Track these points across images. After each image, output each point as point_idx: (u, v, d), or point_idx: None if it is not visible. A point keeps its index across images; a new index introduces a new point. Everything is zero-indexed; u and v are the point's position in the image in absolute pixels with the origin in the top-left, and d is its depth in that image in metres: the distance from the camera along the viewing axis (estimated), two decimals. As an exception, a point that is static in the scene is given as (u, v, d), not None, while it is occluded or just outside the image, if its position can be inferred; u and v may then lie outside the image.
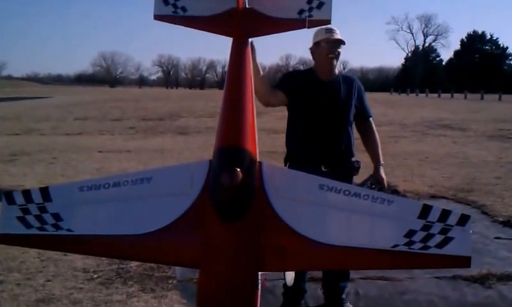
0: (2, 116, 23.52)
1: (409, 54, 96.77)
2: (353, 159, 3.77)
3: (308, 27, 2.95)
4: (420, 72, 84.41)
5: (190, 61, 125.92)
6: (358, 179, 3.81)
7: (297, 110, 3.75)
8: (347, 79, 3.81)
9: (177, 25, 2.98)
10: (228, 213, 2.19)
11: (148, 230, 2.25)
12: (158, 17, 3.06)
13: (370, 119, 3.94)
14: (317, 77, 3.72)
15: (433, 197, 7.75)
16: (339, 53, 3.64)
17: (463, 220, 2.12)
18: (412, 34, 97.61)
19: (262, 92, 3.43)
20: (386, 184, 3.83)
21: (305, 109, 3.68)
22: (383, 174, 3.80)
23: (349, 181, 3.62)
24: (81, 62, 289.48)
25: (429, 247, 2.10)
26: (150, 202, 2.33)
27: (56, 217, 2.34)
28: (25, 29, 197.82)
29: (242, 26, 2.80)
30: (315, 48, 3.70)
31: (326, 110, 3.64)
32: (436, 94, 58.08)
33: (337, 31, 3.60)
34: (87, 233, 2.32)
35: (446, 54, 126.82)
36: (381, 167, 3.82)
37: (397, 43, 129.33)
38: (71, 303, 3.91)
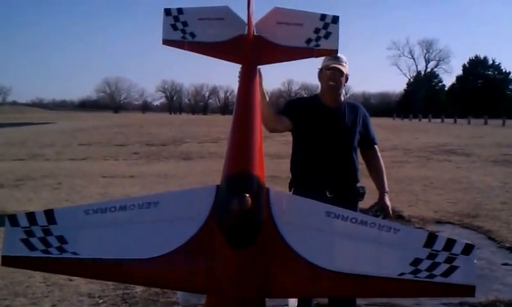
0: (8, 141, 23.67)
1: (411, 80, 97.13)
2: (358, 185, 3.77)
3: (316, 57, 3.04)
4: (423, 97, 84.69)
5: (193, 87, 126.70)
6: (363, 205, 3.80)
7: (301, 136, 3.77)
8: (352, 106, 3.83)
9: (182, 51, 3.02)
10: (237, 239, 2.18)
11: (154, 255, 2.23)
12: (167, 42, 3.10)
13: (376, 146, 3.95)
14: (322, 103, 3.74)
15: (439, 222, 7.72)
16: (341, 81, 3.65)
17: (468, 249, 2.12)
18: (414, 59, 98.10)
19: (268, 118, 3.44)
20: (391, 211, 3.82)
21: (310, 134, 3.69)
22: (388, 202, 3.79)
23: (354, 207, 3.60)
24: (85, 89, 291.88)
25: (434, 276, 2.10)
26: (157, 226, 2.30)
27: (61, 239, 2.30)
28: (30, 55, 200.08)
29: (252, 53, 2.82)
30: (320, 74, 3.75)
31: (330, 136, 3.65)
32: (439, 120, 58.15)
33: (342, 60, 3.61)
34: (92, 256, 2.28)
35: (448, 79, 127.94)
36: (386, 194, 3.81)
37: (399, 68, 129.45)
38: (76, 326, 3.90)
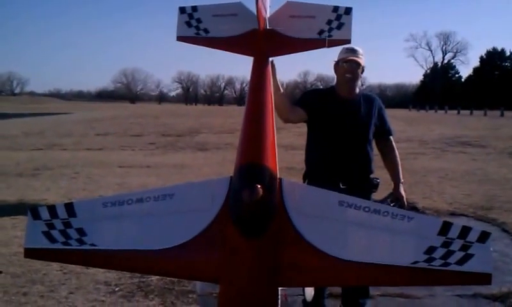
0: (26, 131, 24.00)
1: (428, 71, 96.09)
2: (372, 176, 3.79)
3: (328, 47, 3.02)
4: (439, 89, 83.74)
5: (209, 78, 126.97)
6: (377, 196, 3.83)
7: (317, 128, 3.80)
8: (368, 98, 3.85)
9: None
10: (249, 229, 2.21)
11: (169, 245, 2.28)
12: (181, 38, 3.19)
13: (391, 137, 3.96)
14: (338, 95, 3.76)
15: (453, 214, 7.69)
16: (357, 73, 3.68)
17: (484, 237, 2.11)
18: (431, 51, 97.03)
19: (282, 109, 3.46)
20: (405, 202, 3.83)
21: (325, 126, 3.73)
22: (403, 192, 3.81)
23: (367, 198, 3.60)
24: (102, 79, 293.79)
25: (449, 264, 2.08)
26: (172, 218, 2.36)
27: (80, 231, 2.37)
28: (48, 46, 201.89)
29: (263, 46, 2.87)
30: (336, 67, 3.77)
31: (345, 128, 3.68)
32: (455, 111, 57.49)
33: (358, 53, 3.64)
34: (110, 248, 2.35)
35: (465, 71, 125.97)
36: (401, 185, 3.83)
37: (416, 60, 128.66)
38: (93, 316, 3.99)
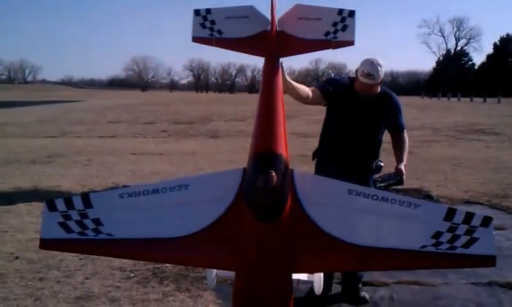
0: (39, 119, 24.22)
1: (441, 58, 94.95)
2: (376, 161, 4.06)
3: (333, 48, 3.23)
4: (452, 76, 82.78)
5: (220, 66, 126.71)
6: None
7: (333, 116, 4.10)
8: (385, 97, 4.05)
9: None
10: (264, 214, 2.26)
11: (184, 234, 2.33)
12: (196, 39, 3.40)
13: (404, 132, 4.21)
14: (356, 93, 3.97)
15: (467, 202, 7.62)
16: (374, 89, 3.93)
17: (486, 221, 2.22)
18: (444, 37, 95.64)
19: (301, 98, 3.68)
20: (404, 178, 3.99)
21: (341, 117, 4.03)
22: (403, 169, 3.99)
23: (367, 179, 3.98)
24: (113, 67, 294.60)
25: (455, 248, 2.19)
26: (187, 207, 2.42)
27: (97, 222, 2.41)
28: (60, 34, 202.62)
29: (274, 47, 3.04)
30: (356, 74, 3.92)
31: (358, 125, 3.97)
32: (468, 99, 56.90)
33: (375, 78, 3.78)
34: (126, 237, 2.39)
35: (478, 57, 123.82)
36: (403, 163, 4.02)
37: (429, 46, 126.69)
38: (109, 301, 4.02)
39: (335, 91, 3.93)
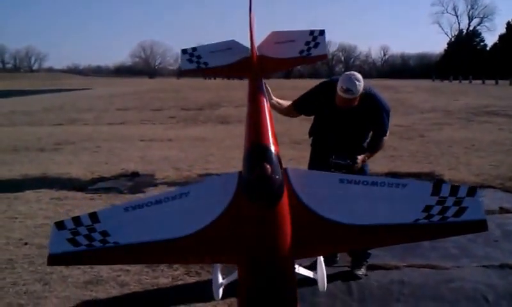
0: (46, 107, 24.30)
1: (453, 39, 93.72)
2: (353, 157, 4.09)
3: (307, 64, 4.60)
4: (464, 58, 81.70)
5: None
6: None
7: (318, 119, 4.38)
8: (368, 101, 4.07)
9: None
10: (262, 202, 2.46)
11: (188, 233, 2.51)
12: (185, 72, 4.09)
13: (385, 137, 4.26)
14: (336, 104, 4.07)
15: (480, 186, 7.40)
16: (353, 103, 3.99)
17: (472, 191, 2.42)
18: (457, 16, 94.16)
19: (286, 115, 4.39)
20: (359, 165, 4.07)
21: (324, 122, 4.25)
22: (361, 159, 4.07)
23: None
24: (120, 54, 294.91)
25: (447, 218, 2.36)
26: (189, 210, 2.62)
27: (104, 233, 2.56)
28: (66, 21, 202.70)
29: (255, 68, 3.52)
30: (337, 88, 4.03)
31: (340, 133, 4.13)
32: (479, 81, 56.23)
33: (353, 93, 3.90)
34: (133, 241, 2.55)
35: (491, 38, 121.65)
36: (365, 155, 4.13)
37: (441, 27, 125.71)
38: (118, 285, 4.01)
39: (313, 103, 4.28)
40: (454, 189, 2.44)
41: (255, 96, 3.24)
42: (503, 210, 6.12)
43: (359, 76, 3.95)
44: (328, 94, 4.12)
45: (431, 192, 2.45)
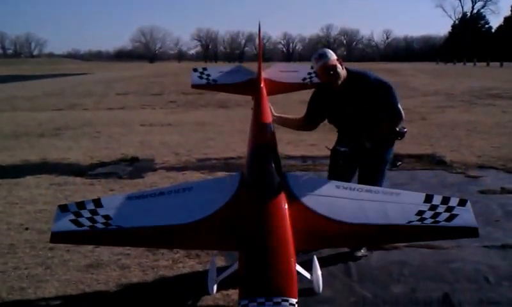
0: (46, 92, 24.22)
1: (456, 22, 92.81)
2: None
3: (309, 88, 4.54)
4: (468, 41, 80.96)
5: (229, 35, 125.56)
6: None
7: (327, 115, 4.32)
8: (355, 77, 4.01)
9: None
10: (262, 191, 2.73)
11: (190, 220, 2.68)
12: (195, 86, 4.81)
13: (400, 120, 4.06)
14: (330, 89, 4.04)
15: (481, 167, 7.46)
16: (335, 74, 3.90)
17: (463, 202, 2.62)
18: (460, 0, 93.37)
19: (303, 130, 4.49)
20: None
21: (329, 115, 4.23)
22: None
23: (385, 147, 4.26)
24: (121, 38, 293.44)
25: (439, 222, 2.53)
26: (192, 203, 2.79)
27: (106, 217, 2.69)
28: (66, 6, 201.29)
29: (260, 88, 4.07)
30: (317, 75, 4.14)
31: (342, 113, 4.08)
32: (484, 63, 55.82)
33: (325, 56, 3.90)
34: (135, 225, 2.68)
35: (495, 21, 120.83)
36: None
37: (444, 10, 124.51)
38: (119, 268, 4.00)
39: (317, 103, 4.19)
40: (445, 199, 2.64)
41: (259, 109, 3.74)
42: (504, 190, 6.11)
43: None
44: (324, 88, 4.12)
45: (424, 200, 2.66)
